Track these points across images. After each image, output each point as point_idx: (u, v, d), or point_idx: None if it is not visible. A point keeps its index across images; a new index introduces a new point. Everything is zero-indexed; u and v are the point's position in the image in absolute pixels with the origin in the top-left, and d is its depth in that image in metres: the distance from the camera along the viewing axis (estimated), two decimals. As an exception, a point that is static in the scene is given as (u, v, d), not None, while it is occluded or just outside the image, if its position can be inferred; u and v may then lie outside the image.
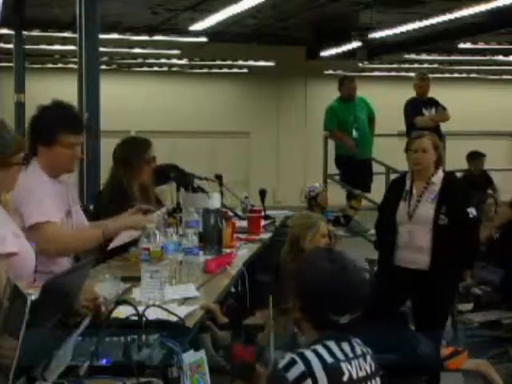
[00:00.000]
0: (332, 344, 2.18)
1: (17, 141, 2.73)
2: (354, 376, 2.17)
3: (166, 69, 15.96)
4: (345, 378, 2.14)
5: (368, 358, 2.26)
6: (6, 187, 2.76)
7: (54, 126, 3.28)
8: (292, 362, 2.11)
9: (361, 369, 2.20)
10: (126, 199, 4.03)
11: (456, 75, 17.11)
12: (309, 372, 2.09)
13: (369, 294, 2.29)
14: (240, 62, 15.71)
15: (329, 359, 2.14)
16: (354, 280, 2.22)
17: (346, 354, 2.19)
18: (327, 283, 2.18)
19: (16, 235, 2.68)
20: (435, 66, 15.72)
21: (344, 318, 2.18)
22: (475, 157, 9.81)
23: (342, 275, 2.20)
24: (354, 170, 8.08)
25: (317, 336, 2.21)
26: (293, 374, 2.10)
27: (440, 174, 4.75)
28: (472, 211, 4.68)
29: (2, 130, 2.69)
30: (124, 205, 3.74)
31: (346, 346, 2.21)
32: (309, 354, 2.14)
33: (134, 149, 4.33)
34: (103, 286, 2.61)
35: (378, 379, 2.27)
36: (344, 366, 2.16)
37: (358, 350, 2.24)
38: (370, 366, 2.25)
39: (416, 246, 4.68)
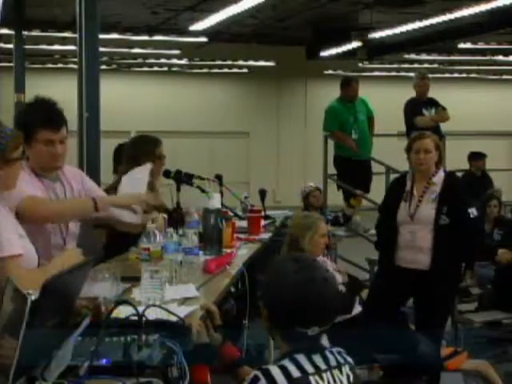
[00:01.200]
0: (301, 357, 2.09)
1: (14, 135, 2.72)
2: None
3: (165, 69, 15.97)
4: None
5: (345, 368, 2.16)
6: (7, 185, 2.74)
7: (31, 123, 3.23)
8: (255, 380, 2.03)
9: (335, 381, 2.12)
10: None
11: (456, 75, 17.12)
12: None
13: (339, 306, 2.18)
14: (240, 62, 15.72)
15: (295, 374, 2.05)
16: (322, 292, 2.10)
17: (316, 367, 2.09)
18: (293, 295, 2.08)
19: (20, 236, 2.68)
20: (435, 65, 15.73)
21: (312, 330, 2.09)
22: (476, 157, 9.81)
23: (309, 287, 2.09)
24: (354, 170, 8.07)
25: (287, 348, 2.13)
26: None
27: (441, 174, 4.75)
28: (473, 211, 4.68)
29: None
30: None
31: (317, 358, 2.11)
32: (274, 370, 2.05)
33: (144, 146, 4.35)
34: (103, 286, 2.61)
35: None
36: (313, 379, 2.07)
37: (333, 361, 2.14)
38: (348, 377, 2.15)
39: (417, 246, 4.67)
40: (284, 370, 2.05)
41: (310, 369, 2.08)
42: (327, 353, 2.15)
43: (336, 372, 2.13)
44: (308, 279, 2.10)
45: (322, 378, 2.08)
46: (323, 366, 2.10)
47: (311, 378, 2.06)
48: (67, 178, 3.46)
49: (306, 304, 2.08)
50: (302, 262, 2.17)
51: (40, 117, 3.25)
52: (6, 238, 2.57)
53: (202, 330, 2.36)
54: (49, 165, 3.29)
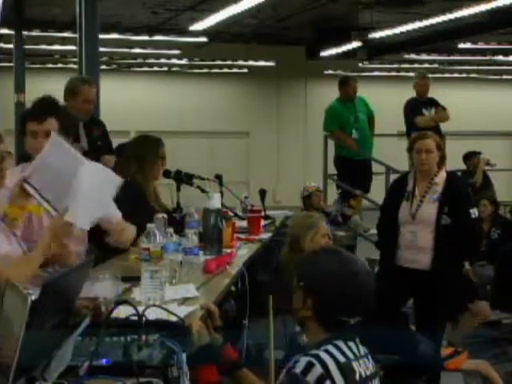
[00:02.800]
0: (341, 344, 2.20)
1: None
2: (363, 374, 2.20)
3: (165, 69, 15.96)
4: (357, 377, 2.17)
5: (369, 357, 2.29)
6: None
7: (23, 115, 3.22)
8: (309, 365, 2.10)
9: (367, 368, 2.23)
10: (140, 197, 4.06)
11: (456, 75, 17.11)
12: (326, 373, 2.10)
13: (374, 297, 2.33)
14: (240, 62, 15.71)
15: (341, 359, 2.15)
16: (367, 284, 2.28)
17: (354, 353, 2.21)
18: (342, 287, 2.21)
19: (6, 236, 2.67)
20: (435, 65, 15.72)
21: (353, 320, 2.23)
22: (471, 156, 9.83)
23: (355, 278, 2.24)
24: (354, 170, 8.07)
25: (324, 336, 2.22)
26: (312, 376, 2.09)
27: (443, 174, 4.75)
28: (474, 212, 4.68)
29: None
30: (141, 204, 3.73)
31: (353, 346, 2.23)
32: (323, 354, 2.13)
33: (149, 146, 4.35)
34: (103, 286, 2.61)
35: (377, 379, 2.28)
36: (355, 364, 2.18)
37: (362, 350, 2.27)
38: (372, 366, 2.28)
39: (418, 246, 4.67)
40: (331, 355, 2.15)
41: (350, 355, 2.19)
42: (358, 342, 2.28)
43: (365, 360, 2.26)
44: (355, 272, 2.25)
45: (359, 364, 2.21)
46: (358, 354, 2.23)
47: (353, 363, 2.18)
48: None
49: (356, 295, 2.23)
50: (345, 255, 2.32)
51: (29, 108, 3.22)
52: None
53: (202, 330, 2.37)
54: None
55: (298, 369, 2.10)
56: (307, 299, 2.25)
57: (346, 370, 2.13)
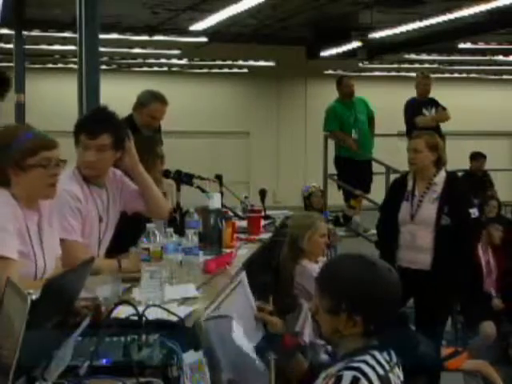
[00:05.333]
0: (377, 354, 2.15)
1: (33, 141, 2.65)
2: None
3: (165, 69, 15.96)
4: None
5: (400, 365, 2.25)
6: (28, 193, 2.67)
7: (78, 126, 3.28)
8: (355, 380, 2.05)
9: (399, 377, 2.20)
10: None
11: (456, 75, 17.11)
12: None
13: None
14: (240, 62, 15.71)
15: (380, 371, 2.11)
16: (393, 277, 2.25)
17: (389, 364, 2.17)
18: (385, 289, 2.18)
19: (24, 243, 2.69)
20: (435, 65, 15.72)
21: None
22: (477, 157, 9.85)
23: (388, 275, 2.22)
24: (354, 171, 8.08)
25: (361, 344, 2.17)
26: None
27: (442, 175, 4.75)
28: (474, 212, 4.68)
29: (21, 131, 2.64)
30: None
31: (386, 356, 2.19)
32: (365, 368, 2.09)
33: (145, 144, 4.34)
34: (103, 285, 2.61)
35: None
36: (391, 376, 2.14)
37: (394, 359, 2.22)
38: (401, 373, 2.25)
39: (418, 246, 4.67)
40: (372, 367, 2.10)
41: (386, 366, 2.15)
42: (390, 350, 2.23)
43: (397, 369, 2.22)
44: (385, 268, 2.22)
45: (394, 375, 2.17)
46: (391, 363, 2.19)
47: (389, 374, 2.14)
48: (111, 185, 3.45)
49: (394, 290, 2.22)
50: (364, 258, 2.25)
51: (84, 119, 3.24)
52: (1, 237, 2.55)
53: (269, 318, 2.42)
54: (85, 172, 3.25)
55: (346, 382, 2.05)
56: (354, 318, 2.15)
57: (385, 383, 2.10)
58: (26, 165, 2.63)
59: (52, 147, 2.69)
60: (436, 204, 4.65)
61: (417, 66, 14.76)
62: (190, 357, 2.06)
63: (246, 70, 16.38)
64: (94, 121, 3.28)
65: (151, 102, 5.18)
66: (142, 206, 3.57)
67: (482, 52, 14.36)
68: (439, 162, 4.75)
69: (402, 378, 2.22)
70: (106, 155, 3.23)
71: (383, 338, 2.23)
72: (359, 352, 2.15)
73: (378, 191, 7.44)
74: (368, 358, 2.12)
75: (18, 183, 2.64)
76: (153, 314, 2.27)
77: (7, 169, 2.64)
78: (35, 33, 11.93)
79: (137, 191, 3.56)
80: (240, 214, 5.19)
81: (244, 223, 4.88)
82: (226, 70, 16.26)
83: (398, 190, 4.88)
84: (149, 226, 3.36)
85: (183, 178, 4.43)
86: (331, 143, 8.40)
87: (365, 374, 2.06)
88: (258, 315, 2.41)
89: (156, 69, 15.84)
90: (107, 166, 3.33)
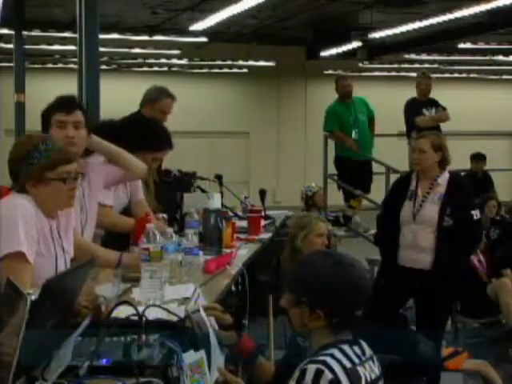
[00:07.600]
0: (346, 348, 2.17)
1: (52, 154, 2.65)
2: (369, 379, 2.17)
3: (166, 69, 15.96)
4: (363, 382, 2.14)
5: (375, 359, 2.26)
6: (47, 207, 2.68)
7: (48, 109, 3.31)
8: (319, 372, 2.07)
9: (372, 371, 2.20)
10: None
11: (456, 75, 17.12)
12: (336, 380, 2.07)
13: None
14: (240, 62, 15.71)
15: (347, 364, 2.12)
16: (359, 271, 2.26)
17: (359, 357, 2.18)
18: (348, 284, 2.18)
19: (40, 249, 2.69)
20: (435, 65, 15.72)
21: (359, 312, 2.22)
22: (477, 158, 9.85)
23: (353, 270, 2.22)
24: (354, 171, 8.07)
25: (331, 339, 2.19)
26: (324, 383, 2.06)
27: (446, 175, 4.73)
28: (476, 213, 4.67)
29: (40, 142, 2.65)
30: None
31: (357, 350, 2.19)
32: (330, 360, 2.10)
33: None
34: (103, 286, 2.61)
35: (382, 381, 2.26)
36: (360, 369, 2.15)
37: (367, 353, 2.23)
38: (378, 368, 2.25)
39: (419, 246, 4.67)
40: (337, 360, 2.12)
41: (356, 359, 2.16)
42: (363, 344, 2.24)
43: (371, 363, 2.22)
44: (350, 263, 2.22)
45: (364, 368, 2.17)
46: (362, 357, 2.19)
47: (358, 368, 2.15)
48: (90, 172, 3.45)
49: (362, 284, 2.22)
50: (333, 254, 2.31)
51: (53, 102, 3.28)
52: (17, 235, 2.55)
53: (220, 314, 2.41)
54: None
55: (309, 377, 2.07)
56: (316, 311, 2.18)
57: (352, 375, 2.10)
58: (45, 178, 2.64)
59: (71, 161, 2.71)
60: (438, 205, 4.64)
61: (417, 65, 14.76)
62: (190, 357, 2.06)
63: (245, 70, 16.39)
64: (66, 100, 3.34)
65: (162, 97, 5.18)
66: (118, 172, 3.62)
67: (482, 52, 14.36)
68: (443, 163, 4.74)
69: (377, 372, 2.23)
70: (82, 133, 3.29)
71: (359, 332, 2.25)
72: (328, 346, 2.18)
73: (378, 191, 7.43)
74: (335, 351, 2.15)
75: (37, 195, 2.65)
76: (153, 313, 2.27)
77: (25, 180, 2.65)
78: (35, 33, 11.94)
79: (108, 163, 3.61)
80: (240, 213, 5.19)
81: (244, 223, 4.88)
82: (226, 70, 16.26)
83: (401, 189, 4.87)
84: (149, 226, 3.36)
85: (183, 178, 4.43)
86: (331, 143, 8.40)
87: (329, 367, 2.08)
88: (210, 312, 2.39)
89: (156, 69, 15.84)
90: (83, 145, 3.36)
